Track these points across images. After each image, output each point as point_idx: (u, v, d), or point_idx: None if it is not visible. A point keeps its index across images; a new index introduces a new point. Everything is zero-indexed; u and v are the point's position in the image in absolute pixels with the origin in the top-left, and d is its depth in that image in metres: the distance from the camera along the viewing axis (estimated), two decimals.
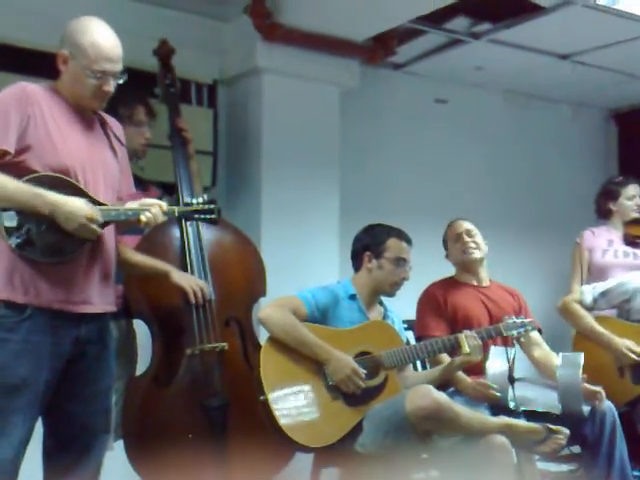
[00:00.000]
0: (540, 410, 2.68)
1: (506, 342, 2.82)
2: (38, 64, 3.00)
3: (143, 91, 2.94)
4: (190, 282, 2.66)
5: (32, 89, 2.05)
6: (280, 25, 3.40)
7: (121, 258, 2.29)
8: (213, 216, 2.22)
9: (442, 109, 4.33)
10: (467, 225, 3.11)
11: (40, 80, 2.17)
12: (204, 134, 3.40)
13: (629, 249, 3.64)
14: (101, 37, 2.07)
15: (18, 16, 3.04)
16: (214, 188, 3.45)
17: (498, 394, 2.63)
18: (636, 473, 2.97)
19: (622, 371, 3.06)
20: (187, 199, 2.79)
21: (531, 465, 2.68)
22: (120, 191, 2.23)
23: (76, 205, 1.96)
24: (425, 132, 4.23)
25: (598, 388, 2.74)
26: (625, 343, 3.03)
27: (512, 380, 2.66)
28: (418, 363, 3.06)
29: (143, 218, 2.08)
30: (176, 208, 2.20)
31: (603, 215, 3.80)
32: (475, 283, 3.08)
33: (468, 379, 2.77)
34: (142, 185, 2.88)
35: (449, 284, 3.08)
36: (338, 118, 3.62)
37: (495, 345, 2.75)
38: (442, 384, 2.72)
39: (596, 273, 3.61)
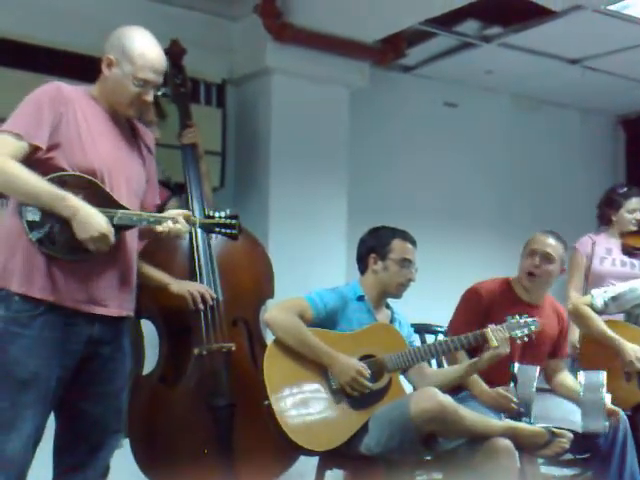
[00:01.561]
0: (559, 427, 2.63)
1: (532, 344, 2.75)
2: (46, 60, 3.07)
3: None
4: (190, 288, 2.70)
5: (67, 89, 2.10)
6: (290, 25, 3.44)
7: None
8: (234, 232, 2.23)
9: (452, 112, 4.37)
10: (550, 248, 2.89)
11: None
12: (213, 134, 3.44)
13: (626, 259, 3.68)
14: (149, 48, 2.13)
15: (26, 11, 3.09)
16: (222, 189, 3.49)
17: (515, 407, 2.65)
18: None
19: (629, 376, 3.10)
20: (196, 204, 2.84)
21: (534, 468, 2.69)
22: (145, 200, 2.26)
23: (96, 219, 2.00)
24: (435, 135, 4.27)
25: (617, 408, 2.76)
26: (636, 352, 3.06)
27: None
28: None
29: (159, 228, 2.12)
30: (198, 219, 2.24)
31: (603, 222, 3.84)
32: (527, 299, 2.95)
33: (485, 386, 2.76)
34: None
35: (501, 290, 2.94)
36: (347, 120, 3.66)
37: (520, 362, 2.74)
38: (456, 387, 2.74)
39: (593, 280, 3.64)
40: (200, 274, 2.80)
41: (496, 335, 2.58)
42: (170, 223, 2.12)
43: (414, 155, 4.21)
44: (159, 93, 2.20)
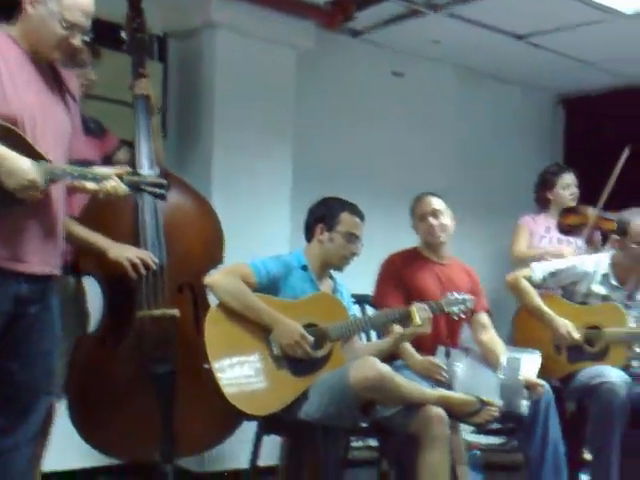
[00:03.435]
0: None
1: (448, 318, 3.03)
2: None
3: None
4: (130, 255, 2.68)
5: None
6: None
7: None
8: (162, 191, 2.26)
9: (398, 82, 4.50)
10: (435, 205, 3.21)
11: None
12: (153, 89, 3.28)
13: (563, 237, 3.97)
14: None
15: None
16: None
17: (445, 376, 2.89)
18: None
19: (559, 349, 3.37)
20: (145, 161, 2.79)
21: (457, 437, 2.94)
22: (71, 149, 2.24)
23: (22, 166, 1.97)
24: (382, 104, 4.38)
25: (541, 381, 3.01)
26: (566, 326, 3.33)
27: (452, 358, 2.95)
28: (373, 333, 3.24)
29: (88, 185, 2.12)
30: (124, 177, 2.22)
31: (542, 204, 4.12)
32: (435, 259, 3.26)
33: (419, 356, 2.98)
34: (100, 131, 2.87)
35: (410, 256, 3.26)
36: (294, 82, 3.70)
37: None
38: (390, 357, 2.92)
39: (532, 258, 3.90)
40: (144, 237, 2.79)
41: (420, 314, 2.77)
42: (106, 183, 2.12)
43: (361, 123, 4.31)
44: (86, 38, 2.16)
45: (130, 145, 2.91)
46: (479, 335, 3.25)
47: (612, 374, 3.12)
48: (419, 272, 3.20)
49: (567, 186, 4.07)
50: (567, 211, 4.00)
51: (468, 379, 2.97)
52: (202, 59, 3.60)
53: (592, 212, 3.88)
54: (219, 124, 3.50)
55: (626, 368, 3.23)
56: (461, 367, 2.97)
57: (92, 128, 2.83)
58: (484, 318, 3.25)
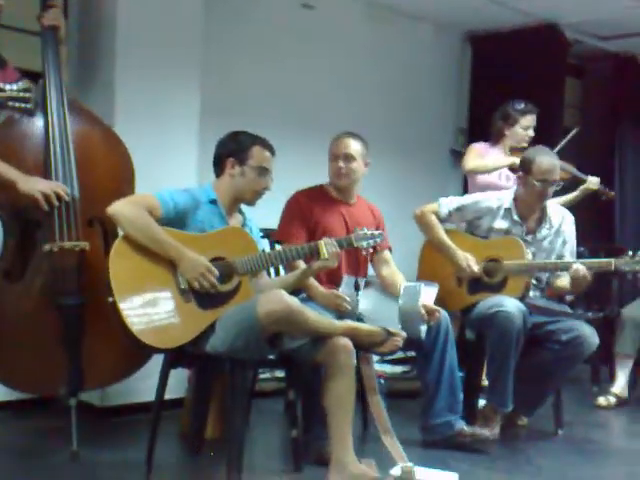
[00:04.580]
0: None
1: (358, 252, 3.17)
2: None
3: None
4: (42, 187, 2.70)
5: None
6: None
7: None
8: (29, 106, 2.27)
9: (309, 15, 4.50)
10: (348, 149, 3.30)
11: None
12: None
13: (511, 174, 4.11)
14: None
15: None
16: None
17: (348, 307, 3.03)
18: (460, 374, 3.52)
19: (460, 281, 3.58)
20: (54, 93, 2.81)
21: (369, 368, 3.09)
22: None
23: None
24: (291, 37, 4.39)
25: (437, 307, 3.20)
26: (467, 259, 3.51)
27: (358, 287, 3.08)
28: (272, 270, 3.35)
29: None
30: None
31: (496, 137, 4.22)
32: (341, 199, 3.40)
33: (321, 287, 3.13)
34: (1, 63, 2.81)
35: (317, 194, 3.38)
36: (202, 12, 3.66)
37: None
38: (293, 291, 3.01)
39: (478, 188, 4.05)
40: (55, 169, 2.81)
41: (328, 248, 2.87)
42: None
43: (271, 56, 4.32)
44: None
45: (40, 76, 2.88)
46: (381, 271, 3.42)
47: (509, 303, 3.32)
48: (324, 212, 3.32)
49: (526, 128, 4.18)
50: (516, 150, 4.12)
51: (372, 309, 3.12)
52: None
53: None
54: (122, 54, 3.43)
55: (522, 298, 3.44)
56: (365, 297, 3.10)
57: None
58: (387, 255, 3.44)
